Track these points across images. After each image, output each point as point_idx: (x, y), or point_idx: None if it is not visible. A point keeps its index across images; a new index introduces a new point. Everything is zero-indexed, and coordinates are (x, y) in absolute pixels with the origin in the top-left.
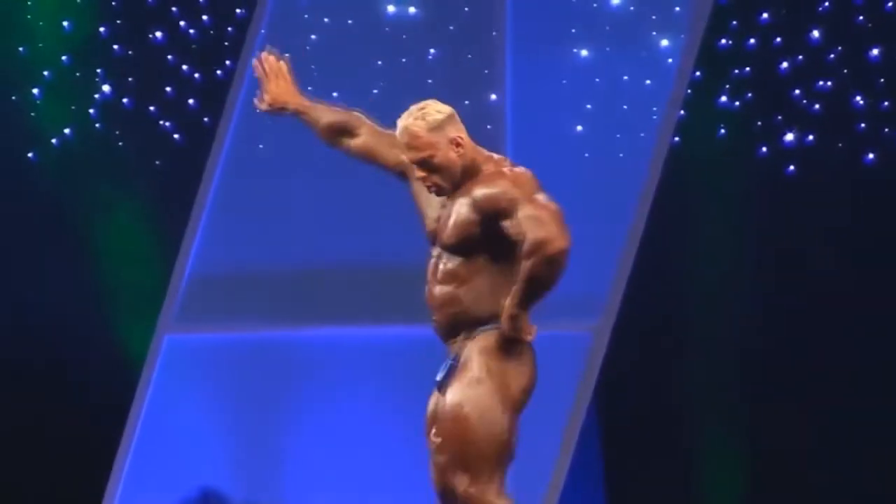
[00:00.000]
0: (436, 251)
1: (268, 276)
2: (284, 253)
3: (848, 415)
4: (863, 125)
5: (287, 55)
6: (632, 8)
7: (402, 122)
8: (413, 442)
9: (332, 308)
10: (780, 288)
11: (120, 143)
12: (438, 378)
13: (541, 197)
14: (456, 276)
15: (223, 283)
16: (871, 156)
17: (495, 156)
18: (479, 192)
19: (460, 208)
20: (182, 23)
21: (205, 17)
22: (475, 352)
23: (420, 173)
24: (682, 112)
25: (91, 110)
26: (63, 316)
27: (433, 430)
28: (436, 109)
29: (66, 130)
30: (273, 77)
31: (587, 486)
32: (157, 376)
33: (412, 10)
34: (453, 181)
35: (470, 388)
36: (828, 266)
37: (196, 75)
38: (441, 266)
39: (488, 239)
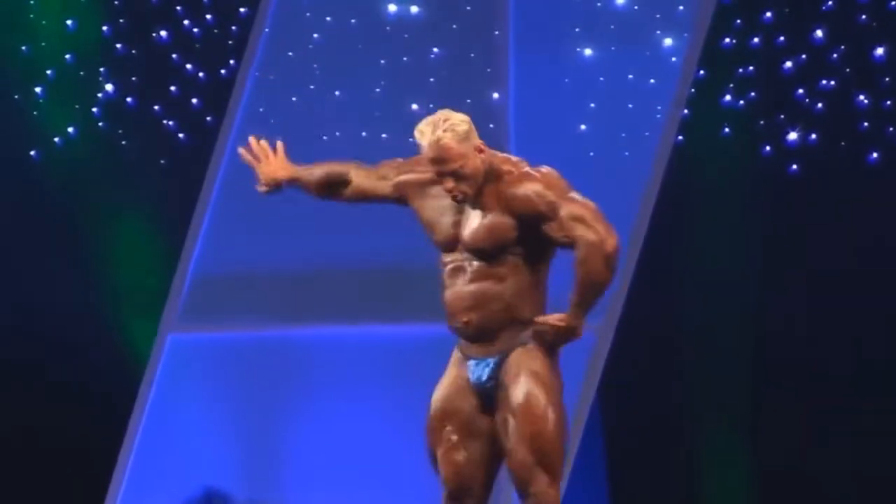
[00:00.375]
0: (455, 256)
1: (270, 275)
2: (287, 252)
3: (852, 414)
4: (866, 124)
5: (263, 139)
6: (636, 7)
7: (429, 137)
8: (415, 440)
9: (335, 307)
10: (783, 286)
11: (123, 143)
12: (481, 379)
13: (576, 195)
14: (492, 275)
15: (226, 282)
16: (874, 155)
17: (511, 157)
18: (512, 195)
19: (491, 212)
20: (186, 22)
21: (208, 17)
22: (535, 354)
23: (448, 184)
24: (685, 111)
25: (94, 109)
26: (66, 315)
27: (509, 425)
28: (459, 119)
29: (70, 129)
30: (263, 159)
31: (591, 484)
32: (161, 375)
33: (414, 9)
34: (477, 186)
35: (544, 389)
36: (831, 265)
37: (200, 74)
38: (469, 268)
39: (522, 241)
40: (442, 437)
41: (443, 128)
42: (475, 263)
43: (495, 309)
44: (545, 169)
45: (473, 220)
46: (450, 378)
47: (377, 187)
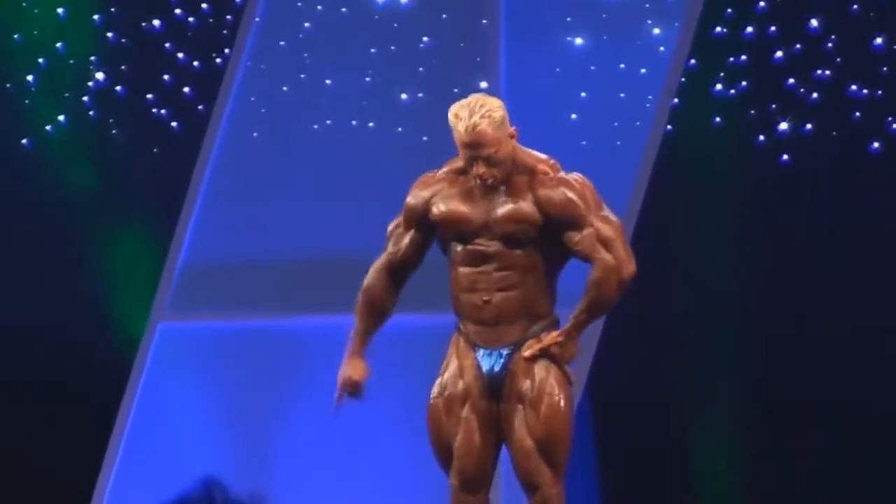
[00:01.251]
0: (481, 241)
1: (261, 264)
2: (278, 241)
3: (845, 408)
4: (859, 114)
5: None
6: None
7: (466, 122)
8: (407, 430)
9: (325, 296)
10: (774, 276)
11: (114, 131)
12: (494, 369)
13: (607, 213)
14: (516, 265)
15: (217, 271)
16: (868, 145)
17: (544, 156)
18: (547, 196)
19: (523, 202)
20: (178, 11)
21: (202, 6)
22: (551, 354)
23: (480, 168)
24: (676, 100)
25: (85, 98)
26: (57, 303)
27: (518, 416)
28: (496, 105)
29: (60, 118)
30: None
31: (580, 478)
32: (151, 363)
33: None
34: (507, 172)
35: (556, 383)
36: (823, 255)
37: (192, 63)
38: (494, 254)
39: (541, 239)
40: (456, 422)
41: (479, 113)
42: (501, 251)
43: (515, 297)
44: (579, 177)
45: (504, 206)
46: (459, 365)
47: (408, 249)
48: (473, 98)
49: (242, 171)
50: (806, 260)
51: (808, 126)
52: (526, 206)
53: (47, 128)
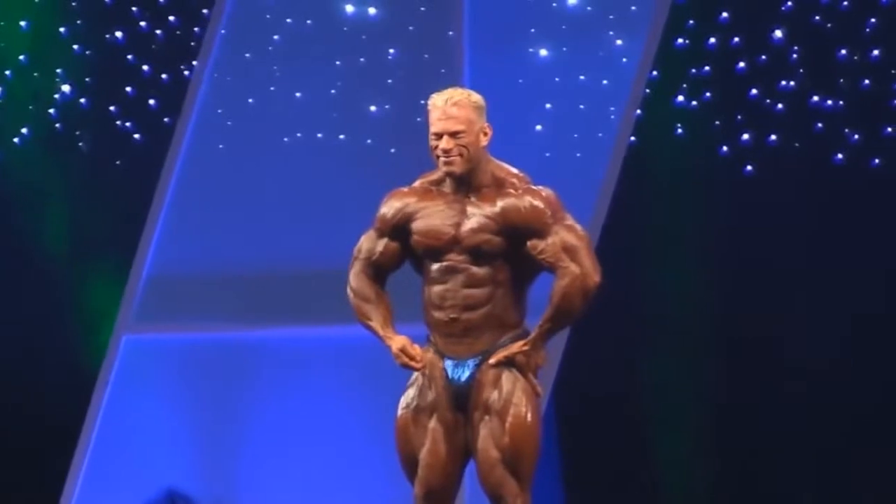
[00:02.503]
0: (451, 256)
1: (226, 276)
2: (243, 253)
3: (815, 408)
4: (821, 125)
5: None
6: (589, 8)
7: (445, 94)
8: (372, 440)
9: (290, 308)
10: (739, 286)
11: (80, 144)
12: (460, 379)
13: (571, 223)
14: (486, 280)
15: (181, 283)
16: (830, 156)
17: (517, 171)
18: (513, 205)
19: (491, 217)
20: (142, 23)
21: (167, 18)
22: (517, 364)
23: (446, 144)
24: (639, 111)
25: (51, 110)
26: (20, 315)
27: (485, 426)
28: (478, 97)
29: (24, 130)
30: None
31: (545, 487)
32: (116, 376)
33: (372, 10)
34: (468, 168)
35: (524, 394)
36: (787, 265)
37: (158, 76)
38: (464, 269)
39: (510, 252)
40: (423, 433)
41: (460, 93)
42: (470, 266)
43: (484, 313)
44: (546, 189)
45: (473, 221)
46: (430, 377)
47: (383, 252)
48: (453, 88)
49: (207, 183)
50: (770, 269)
51: (773, 137)
52: (492, 216)
53: (15, 140)
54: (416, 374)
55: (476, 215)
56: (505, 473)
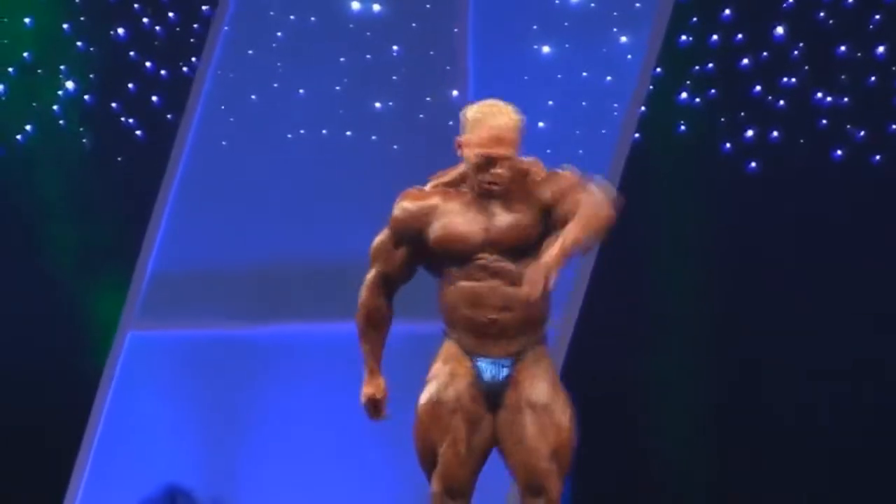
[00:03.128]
0: (482, 256)
1: (231, 272)
2: (247, 250)
3: (807, 407)
4: (825, 122)
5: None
6: (593, 5)
7: (498, 118)
8: (376, 438)
9: (295, 304)
10: (742, 282)
11: (83, 140)
12: (497, 378)
13: (592, 185)
14: (518, 278)
15: (186, 280)
16: (833, 152)
17: (528, 158)
18: (540, 191)
19: (519, 211)
20: (145, 20)
21: (169, 15)
22: (546, 355)
23: (496, 170)
24: (643, 108)
25: (55, 107)
26: (25, 312)
27: (524, 423)
28: (518, 113)
29: (27, 127)
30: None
31: None
32: (121, 373)
33: (376, 7)
34: (510, 181)
35: (562, 390)
36: (790, 261)
37: (161, 72)
38: (496, 269)
39: (542, 240)
40: (447, 430)
41: (507, 113)
42: (506, 266)
43: (520, 311)
44: (567, 168)
45: (503, 219)
46: (452, 373)
47: (401, 265)
48: (495, 101)
49: (211, 180)
50: (773, 265)
51: (775, 133)
52: (522, 215)
53: (18, 137)
54: (436, 369)
55: (505, 212)
56: (551, 467)
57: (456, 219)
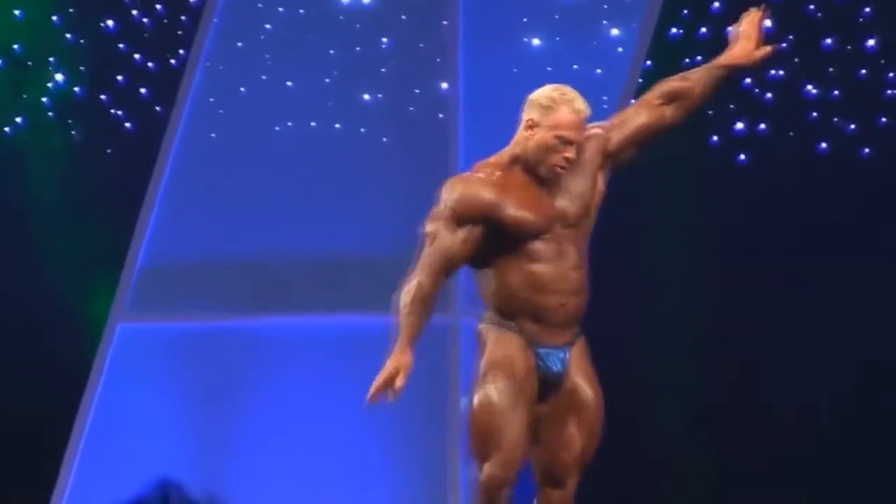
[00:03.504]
0: (553, 235)
1: (221, 264)
2: (237, 242)
3: (800, 401)
4: (814, 114)
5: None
6: None
7: (576, 104)
8: (371, 430)
9: (286, 297)
10: (731, 275)
11: (73, 133)
12: (556, 369)
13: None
14: (582, 259)
15: (176, 272)
16: (822, 145)
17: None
18: (589, 151)
19: (576, 182)
20: (134, 12)
21: (158, 7)
22: (590, 357)
23: (568, 153)
24: (633, 101)
25: (44, 99)
26: (15, 304)
27: (572, 417)
28: None
29: (17, 119)
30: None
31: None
32: (111, 365)
33: None
34: None
35: (601, 402)
36: (779, 254)
37: (149, 64)
38: (569, 250)
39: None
40: (510, 416)
41: (581, 99)
42: (573, 248)
43: (584, 296)
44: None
45: (566, 192)
46: (511, 360)
47: (464, 246)
48: (566, 87)
49: (201, 171)
50: (762, 258)
51: (763, 126)
52: (581, 182)
53: (6, 129)
54: (490, 356)
55: (564, 186)
56: (576, 464)
57: (522, 198)
